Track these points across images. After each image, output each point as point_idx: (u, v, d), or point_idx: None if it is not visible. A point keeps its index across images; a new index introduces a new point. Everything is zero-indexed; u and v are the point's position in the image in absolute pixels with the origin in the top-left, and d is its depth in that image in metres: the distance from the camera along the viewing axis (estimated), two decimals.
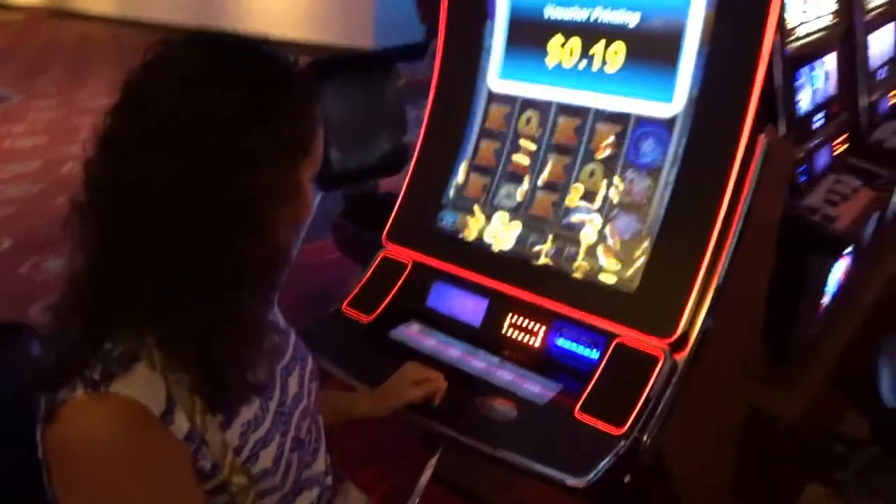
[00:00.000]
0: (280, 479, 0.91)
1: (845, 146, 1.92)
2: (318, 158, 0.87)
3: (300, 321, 1.16)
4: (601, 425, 1.20)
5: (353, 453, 1.34)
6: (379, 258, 1.61)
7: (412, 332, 1.48)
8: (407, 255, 1.58)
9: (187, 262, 0.76)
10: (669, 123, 1.35)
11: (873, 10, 2.13)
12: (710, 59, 1.31)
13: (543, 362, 1.37)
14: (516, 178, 1.53)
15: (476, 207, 1.56)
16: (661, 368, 1.23)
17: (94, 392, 0.74)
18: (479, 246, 1.52)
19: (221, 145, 0.75)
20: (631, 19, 1.38)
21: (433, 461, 1.56)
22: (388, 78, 2.64)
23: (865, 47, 2.04)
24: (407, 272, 1.56)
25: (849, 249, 1.68)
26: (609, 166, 1.42)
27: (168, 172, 0.74)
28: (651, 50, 1.36)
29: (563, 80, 1.49)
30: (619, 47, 1.40)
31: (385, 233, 1.63)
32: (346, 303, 1.56)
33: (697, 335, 1.26)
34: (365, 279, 1.59)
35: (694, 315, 1.26)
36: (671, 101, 1.35)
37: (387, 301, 1.53)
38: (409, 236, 1.60)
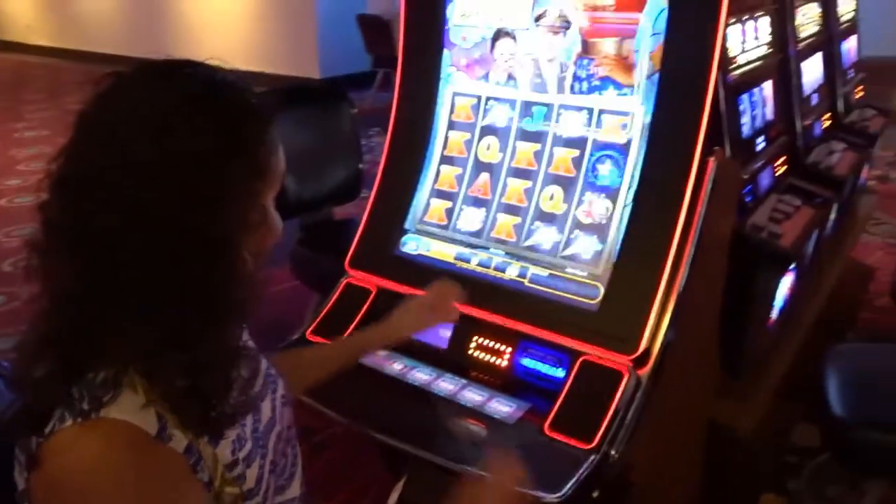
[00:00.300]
0: (262, 499, 0.90)
1: (784, 168, 2.02)
2: (279, 181, 0.87)
3: (260, 349, 1.16)
4: (571, 441, 1.23)
5: (317, 480, 1.34)
6: (342, 285, 1.62)
7: (378, 357, 1.48)
8: (371, 282, 1.59)
9: (164, 297, 0.75)
10: (625, 147, 1.41)
11: (804, 40, 2.26)
12: (661, 87, 1.37)
13: (510, 382, 1.40)
14: (478, 202, 1.57)
15: (439, 232, 1.58)
16: (626, 384, 1.26)
17: (85, 420, 0.72)
18: (444, 270, 1.54)
19: (190, 178, 0.74)
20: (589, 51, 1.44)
21: (399, 486, 1.56)
22: (341, 107, 2.67)
23: (799, 75, 2.16)
24: (371, 298, 1.57)
25: (793, 265, 1.77)
26: (568, 189, 1.47)
27: (135, 207, 0.73)
28: (606, 79, 1.42)
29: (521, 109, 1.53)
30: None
31: (348, 260, 1.64)
32: (309, 330, 1.56)
33: (659, 350, 1.30)
34: (329, 306, 1.59)
35: (655, 331, 1.30)
36: (627, 126, 1.41)
37: (352, 327, 1.53)
38: (372, 262, 1.61)
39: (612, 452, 1.22)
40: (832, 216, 2.20)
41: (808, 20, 2.34)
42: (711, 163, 1.34)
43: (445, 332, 1.50)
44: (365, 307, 1.56)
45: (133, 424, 0.74)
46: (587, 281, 1.40)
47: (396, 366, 1.46)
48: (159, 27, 9.51)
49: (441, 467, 1.29)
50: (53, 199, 0.76)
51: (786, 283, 1.85)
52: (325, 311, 1.58)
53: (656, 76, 1.37)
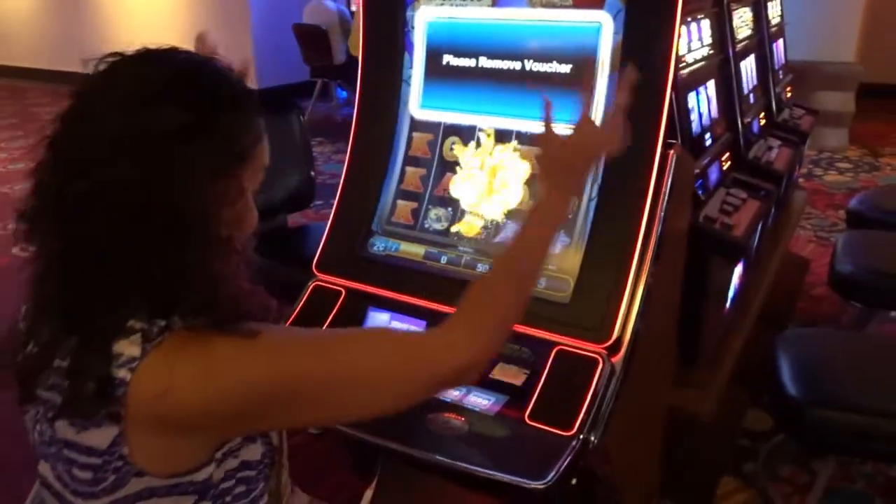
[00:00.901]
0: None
1: (729, 163, 2.11)
2: (260, 167, 0.90)
3: None
4: (551, 429, 1.25)
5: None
6: (310, 288, 1.61)
7: None
8: (339, 283, 1.59)
9: (135, 263, 0.79)
10: None
11: (740, 41, 2.38)
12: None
13: (485, 376, 1.41)
14: (444, 201, 1.59)
15: (406, 232, 1.59)
16: (601, 371, 1.30)
17: (158, 344, 0.79)
18: (413, 269, 1.56)
19: (155, 152, 0.78)
20: (548, 51, 1.48)
21: (369, 493, 1.56)
22: (292, 115, 2.65)
23: (739, 75, 2.26)
24: (341, 300, 1.57)
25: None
26: (534, 185, 1.50)
27: (104, 176, 0.77)
28: (567, 77, 1.46)
29: (483, 108, 1.56)
30: (537, 76, 1.50)
31: (315, 262, 1.63)
32: None
33: (630, 338, 1.34)
34: (298, 309, 1.58)
35: (625, 320, 1.34)
36: None
37: (324, 328, 1.52)
38: (340, 265, 1.61)
39: (592, 438, 1.25)
40: (772, 209, 2.32)
41: (742, 23, 2.46)
42: (671, 156, 1.40)
43: (418, 331, 1.51)
44: (335, 309, 1.55)
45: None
46: (557, 275, 1.43)
47: None
48: (82, 37, 9.20)
49: (415, 465, 1.30)
50: (44, 162, 0.82)
51: (737, 273, 1.94)
52: (294, 314, 1.57)
53: (615, 74, 1.42)
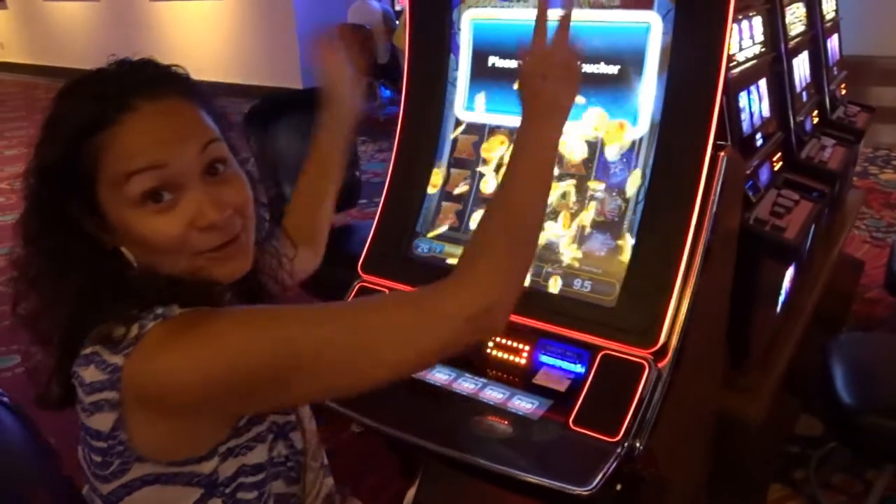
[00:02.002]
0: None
1: (780, 163, 2.06)
2: (131, 168, 0.82)
3: None
4: (597, 434, 1.24)
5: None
6: (355, 288, 1.63)
7: None
8: (384, 285, 1.60)
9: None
10: (636, 145, 1.43)
11: (793, 38, 2.31)
12: (670, 84, 1.40)
13: (530, 380, 1.41)
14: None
15: (451, 234, 1.60)
16: (647, 376, 1.28)
17: (165, 319, 0.82)
18: None
19: (45, 181, 0.85)
20: (595, 52, 1.47)
21: (412, 492, 1.57)
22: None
23: (791, 73, 2.20)
24: None
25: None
26: (580, 187, 1.49)
27: (31, 202, 0.87)
28: (616, 78, 1.45)
29: None
30: (585, 78, 1.48)
31: (360, 264, 1.64)
32: None
33: (677, 343, 1.32)
34: None
35: (672, 324, 1.32)
36: (636, 124, 1.43)
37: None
38: (385, 266, 1.62)
39: (637, 445, 1.23)
40: (826, 210, 2.25)
41: (795, 19, 2.39)
42: (721, 158, 1.37)
43: None
44: None
45: None
46: (603, 278, 1.42)
47: None
48: (137, 41, 9.46)
49: (457, 467, 1.30)
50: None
51: (788, 276, 1.89)
52: None
53: (664, 75, 1.40)
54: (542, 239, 1.50)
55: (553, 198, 1.51)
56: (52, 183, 0.84)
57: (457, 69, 1.64)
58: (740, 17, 1.83)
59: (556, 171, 1.51)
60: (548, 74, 1.01)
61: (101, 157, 0.81)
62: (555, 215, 1.50)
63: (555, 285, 1.45)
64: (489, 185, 1.59)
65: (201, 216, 0.83)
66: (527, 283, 1.47)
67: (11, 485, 0.94)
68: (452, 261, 1.58)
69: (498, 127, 1.60)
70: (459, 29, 1.62)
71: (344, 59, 1.30)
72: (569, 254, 1.47)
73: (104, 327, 0.82)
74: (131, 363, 0.79)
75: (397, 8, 7.53)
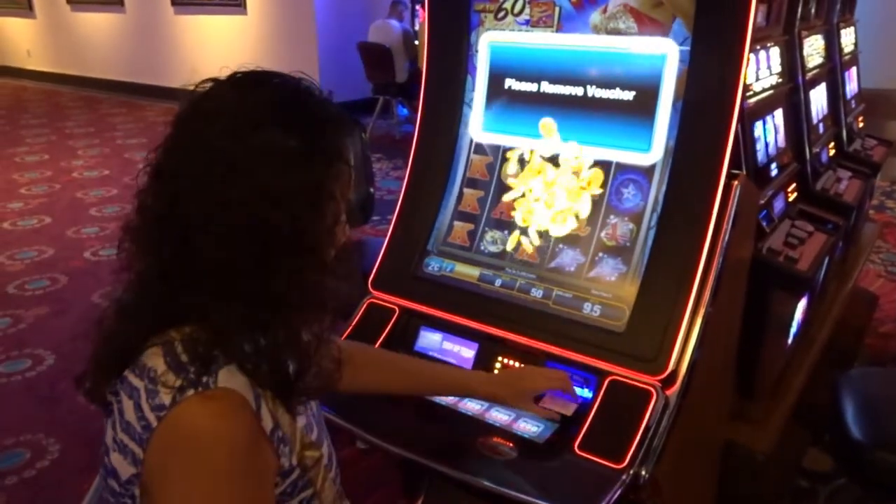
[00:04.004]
0: (334, 473, 0.99)
1: (795, 194, 2.05)
2: (351, 186, 0.93)
3: None
4: (601, 461, 1.23)
5: None
6: (365, 305, 1.63)
7: None
8: (393, 301, 1.61)
9: (245, 284, 0.82)
10: (648, 171, 1.44)
11: (811, 70, 2.32)
12: (685, 112, 1.40)
13: (537, 402, 1.40)
14: (501, 224, 1.59)
15: (462, 253, 1.60)
16: (654, 404, 1.27)
17: (205, 390, 0.79)
18: (467, 290, 1.56)
19: (271, 174, 0.81)
20: (611, 78, 1.48)
21: None
22: (354, 131, 2.69)
23: (808, 104, 2.20)
24: (395, 318, 1.58)
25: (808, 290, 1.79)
26: (592, 212, 1.49)
27: (216, 197, 0.80)
28: (631, 104, 1.45)
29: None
30: (599, 103, 1.49)
31: (371, 280, 1.65)
32: None
33: (686, 371, 1.32)
34: (353, 325, 1.60)
35: (682, 352, 1.32)
36: (649, 150, 1.43)
37: (377, 346, 1.54)
38: (395, 283, 1.63)
39: (643, 473, 1.22)
40: (840, 243, 2.24)
41: (813, 51, 2.40)
42: (735, 186, 1.37)
43: (469, 353, 1.51)
44: (389, 327, 1.57)
45: (242, 395, 0.81)
46: (612, 303, 1.42)
47: None
48: (159, 52, 9.59)
49: (461, 488, 1.29)
50: (148, 187, 0.85)
51: (801, 308, 1.88)
52: (348, 330, 1.59)
53: (679, 103, 1.40)
54: (553, 262, 1.51)
55: (565, 221, 1.52)
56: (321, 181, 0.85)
57: (473, 90, 1.66)
58: (758, 47, 1.84)
59: (567, 195, 1.52)
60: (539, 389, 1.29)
61: (348, 168, 0.91)
62: (565, 238, 1.50)
63: (563, 308, 1.45)
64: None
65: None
66: (536, 304, 1.47)
67: None
68: (462, 279, 1.58)
69: (511, 148, 1.60)
70: (477, 51, 1.64)
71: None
72: (578, 277, 1.46)
73: (181, 341, 0.83)
74: (157, 439, 0.79)
75: (417, 28, 7.60)
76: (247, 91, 0.86)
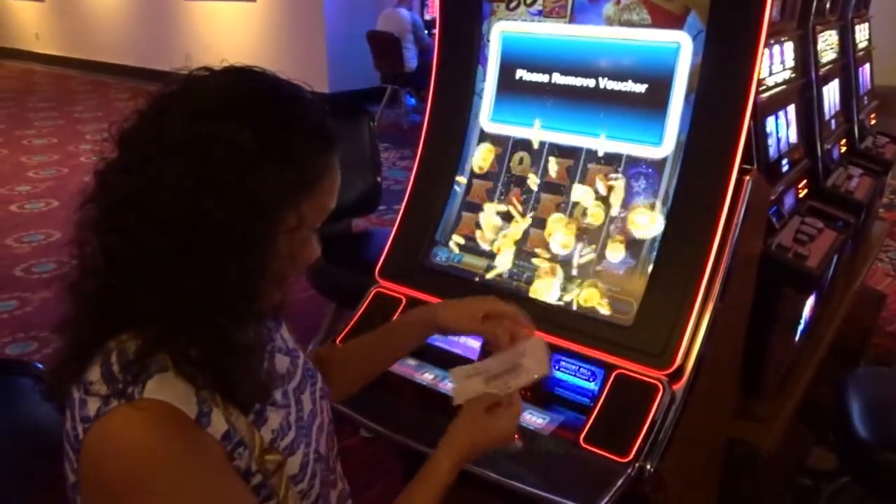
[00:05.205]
0: (307, 485, 0.93)
1: (805, 190, 2.04)
2: (327, 202, 0.87)
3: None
4: (607, 454, 1.23)
5: None
6: (372, 294, 1.63)
7: (409, 368, 1.49)
8: (401, 291, 1.60)
9: (182, 281, 0.78)
10: (659, 165, 1.43)
11: (824, 65, 2.30)
12: (697, 106, 1.39)
13: (543, 394, 1.40)
14: (509, 216, 1.58)
15: (469, 244, 1.59)
16: (661, 398, 1.27)
17: (130, 401, 0.76)
18: (474, 281, 1.56)
19: (229, 175, 0.77)
20: (623, 70, 1.46)
21: None
22: (363, 120, 2.69)
23: (820, 100, 2.18)
24: (401, 308, 1.57)
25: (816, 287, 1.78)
26: (602, 205, 1.48)
27: (165, 184, 0.77)
28: (643, 97, 1.44)
29: (554, 125, 1.55)
30: (610, 94, 1.48)
31: (378, 270, 1.65)
32: (340, 337, 1.57)
33: (693, 366, 1.31)
34: (358, 314, 1.60)
35: (689, 347, 1.31)
36: (661, 144, 1.42)
37: None
38: (402, 273, 1.62)
39: (648, 467, 1.22)
40: (849, 241, 2.22)
41: (827, 46, 2.38)
42: (746, 181, 1.36)
43: (476, 344, 1.51)
44: (395, 317, 1.56)
45: (175, 406, 0.77)
46: (620, 296, 1.41)
47: (427, 376, 1.46)
48: (168, 40, 9.58)
49: (465, 479, 1.29)
50: (108, 154, 0.82)
51: (808, 305, 1.87)
52: (354, 319, 1.59)
53: (692, 96, 1.39)
54: (562, 255, 1.50)
55: (574, 214, 1.51)
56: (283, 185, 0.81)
57: (484, 81, 1.65)
58: (772, 41, 1.82)
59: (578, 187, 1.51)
60: (481, 445, 1.03)
61: (325, 183, 0.85)
62: (574, 232, 1.50)
63: (571, 300, 1.44)
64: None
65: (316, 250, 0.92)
66: (543, 296, 1.47)
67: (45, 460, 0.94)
68: (469, 269, 1.58)
69: (522, 140, 1.59)
70: (488, 41, 1.63)
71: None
72: (587, 269, 1.46)
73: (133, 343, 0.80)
74: (84, 452, 0.77)
75: (427, 17, 7.57)
76: (220, 80, 0.83)
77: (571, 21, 1.52)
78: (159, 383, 0.77)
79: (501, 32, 1.61)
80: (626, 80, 1.46)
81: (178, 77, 0.84)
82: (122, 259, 0.79)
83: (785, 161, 1.88)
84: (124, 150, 0.81)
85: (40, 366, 1.04)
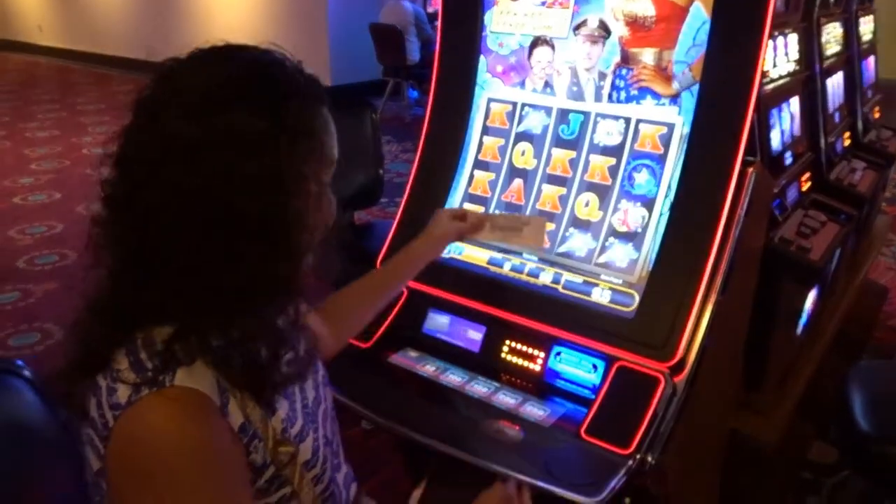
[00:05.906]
0: (320, 469, 0.94)
1: (809, 183, 2.03)
2: (330, 153, 0.87)
3: None
4: (608, 446, 1.23)
5: None
6: None
7: (411, 360, 1.49)
8: None
9: (211, 275, 0.78)
10: (662, 157, 1.42)
11: (828, 58, 2.28)
12: (701, 98, 1.38)
13: (544, 386, 1.40)
14: (512, 207, 1.58)
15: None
16: (662, 391, 1.27)
17: (161, 388, 0.76)
18: (476, 273, 1.55)
19: (232, 156, 0.76)
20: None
21: (418, 493, 1.56)
22: (365, 112, 2.69)
23: (824, 92, 2.17)
24: (403, 299, 1.57)
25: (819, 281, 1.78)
26: (604, 197, 1.48)
27: (174, 184, 0.75)
28: (644, 89, 1.44)
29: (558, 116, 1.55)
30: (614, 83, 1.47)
31: (380, 261, 1.64)
32: None
33: (695, 359, 1.31)
34: None
35: (691, 339, 1.31)
36: (663, 136, 1.42)
37: (384, 327, 1.54)
38: None
39: (649, 459, 1.22)
40: (852, 234, 2.22)
41: (831, 38, 2.36)
42: (750, 174, 1.35)
43: (477, 335, 1.51)
44: (397, 308, 1.56)
45: (205, 394, 0.78)
46: (622, 289, 1.41)
47: (429, 368, 1.46)
48: (170, 32, 9.56)
49: (466, 470, 1.29)
50: (110, 176, 0.81)
51: (811, 298, 1.86)
52: None
53: (696, 87, 1.39)
54: (564, 246, 1.50)
55: (576, 206, 1.51)
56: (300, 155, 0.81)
57: (486, 72, 1.64)
58: (776, 33, 1.81)
59: (579, 179, 1.51)
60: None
61: (326, 139, 0.86)
62: (576, 223, 1.49)
63: (573, 293, 1.44)
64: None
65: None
66: (545, 287, 1.47)
67: (28, 458, 0.94)
68: (471, 262, 1.57)
69: (524, 132, 1.59)
70: (491, 32, 1.62)
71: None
72: (588, 262, 1.45)
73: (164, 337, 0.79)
74: (114, 440, 0.76)
75: (430, 10, 7.55)
76: (200, 69, 0.81)
77: (575, 12, 1.51)
78: (188, 371, 0.78)
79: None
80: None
81: (154, 76, 0.82)
82: (152, 264, 0.78)
83: (788, 154, 1.88)
84: (128, 165, 0.79)
85: (21, 362, 1.03)
